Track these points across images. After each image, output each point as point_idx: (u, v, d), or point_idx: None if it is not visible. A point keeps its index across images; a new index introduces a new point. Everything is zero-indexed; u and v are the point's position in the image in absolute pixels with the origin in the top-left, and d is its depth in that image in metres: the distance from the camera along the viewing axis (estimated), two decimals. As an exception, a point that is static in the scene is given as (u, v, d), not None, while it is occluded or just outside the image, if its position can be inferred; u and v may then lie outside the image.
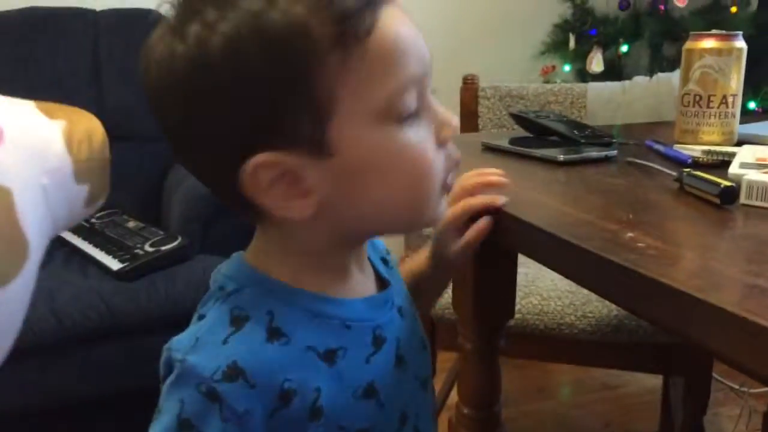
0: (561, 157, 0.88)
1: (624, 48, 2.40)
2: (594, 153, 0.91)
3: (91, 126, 0.40)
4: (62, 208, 0.37)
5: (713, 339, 0.43)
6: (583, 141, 0.97)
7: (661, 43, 2.37)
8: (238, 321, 0.53)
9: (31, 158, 0.35)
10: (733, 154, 0.82)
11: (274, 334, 0.52)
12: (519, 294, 1.24)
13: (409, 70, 0.51)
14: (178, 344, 0.52)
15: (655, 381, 1.76)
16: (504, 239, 0.81)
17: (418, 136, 0.52)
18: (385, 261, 0.69)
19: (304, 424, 0.52)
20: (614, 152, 0.92)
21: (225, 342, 0.51)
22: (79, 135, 0.39)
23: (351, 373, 0.55)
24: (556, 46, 2.56)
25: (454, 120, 0.56)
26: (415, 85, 0.51)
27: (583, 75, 2.45)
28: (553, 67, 2.60)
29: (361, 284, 0.61)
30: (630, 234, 0.57)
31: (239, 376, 0.49)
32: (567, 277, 0.66)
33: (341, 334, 0.56)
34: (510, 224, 0.68)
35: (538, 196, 0.77)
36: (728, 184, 0.65)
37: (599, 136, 0.98)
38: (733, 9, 2.28)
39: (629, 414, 1.86)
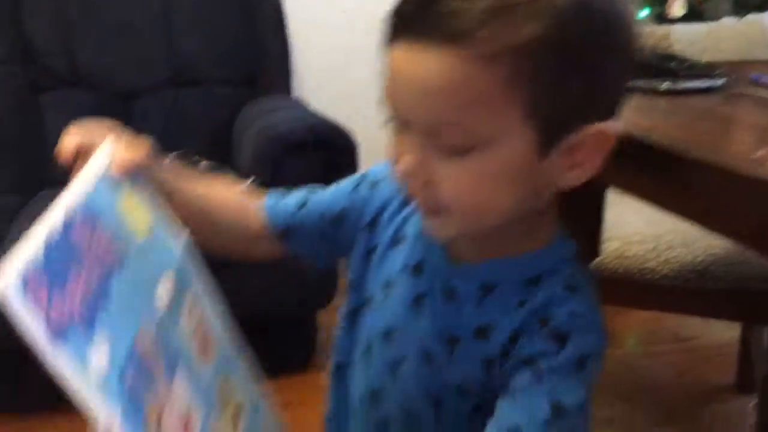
0: (663, 86, 0.84)
1: (706, -8, 2.29)
2: (697, 83, 0.87)
3: None
4: None
5: None
6: (683, 73, 0.92)
7: (745, -13, 2.25)
8: None
9: None
10: None
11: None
12: (599, 238, 1.21)
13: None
14: None
15: (730, 334, 1.71)
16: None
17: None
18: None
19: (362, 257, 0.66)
20: (720, 82, 0.87)
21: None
22: None
23: (390, 265, 0.64)
24: (633, -11, 2.46)
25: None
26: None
27: (661, 19, 2.34)
28: (630, 12, 2.50)
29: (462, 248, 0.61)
30: (761, 152, 0.54)
31: (376, 187, 0.67)
32: (685, 208, 0.63)
33: (417, 247, 0.62)
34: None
35: (642, 122, 0.74)
36: None
37: (700, 68, 0.94)
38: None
39: (704, 365, 1.82)
